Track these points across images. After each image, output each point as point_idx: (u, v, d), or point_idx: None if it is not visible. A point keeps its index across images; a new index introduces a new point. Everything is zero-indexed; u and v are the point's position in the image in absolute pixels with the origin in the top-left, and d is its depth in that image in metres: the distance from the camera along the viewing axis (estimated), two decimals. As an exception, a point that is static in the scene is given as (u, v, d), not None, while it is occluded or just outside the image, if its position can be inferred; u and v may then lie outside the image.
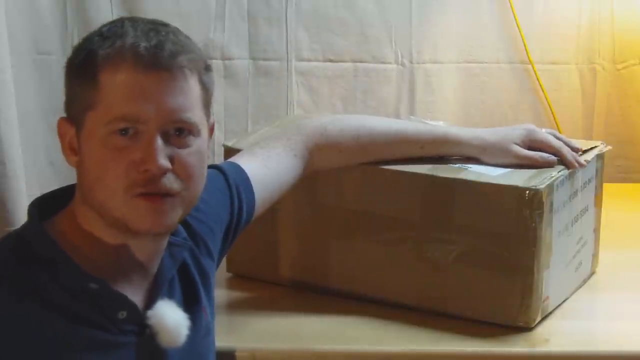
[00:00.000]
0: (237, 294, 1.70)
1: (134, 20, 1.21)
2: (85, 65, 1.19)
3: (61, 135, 1.23)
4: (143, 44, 1.17)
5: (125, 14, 2.18)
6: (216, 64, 2.25)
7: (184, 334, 1.25)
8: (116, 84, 1.17)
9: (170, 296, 1.28)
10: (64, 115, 1.23)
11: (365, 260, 1.64)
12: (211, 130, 1.27)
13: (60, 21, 2.20)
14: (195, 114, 1.20)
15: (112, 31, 1.19)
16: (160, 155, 1.16)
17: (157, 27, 1.20)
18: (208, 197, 1.36)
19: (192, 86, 1.20)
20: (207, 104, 1.24)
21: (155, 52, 1.17)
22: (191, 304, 1.30)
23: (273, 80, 2.29)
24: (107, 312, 1.20)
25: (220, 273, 1.56)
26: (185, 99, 1.19)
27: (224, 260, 1.56)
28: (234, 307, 1.66)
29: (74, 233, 1.22)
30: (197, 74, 1.21)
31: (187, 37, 1.22)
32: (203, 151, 1.22)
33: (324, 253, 1.67)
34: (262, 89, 2.29)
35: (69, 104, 1.22)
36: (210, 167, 1.45)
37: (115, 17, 2.15)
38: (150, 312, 1.23)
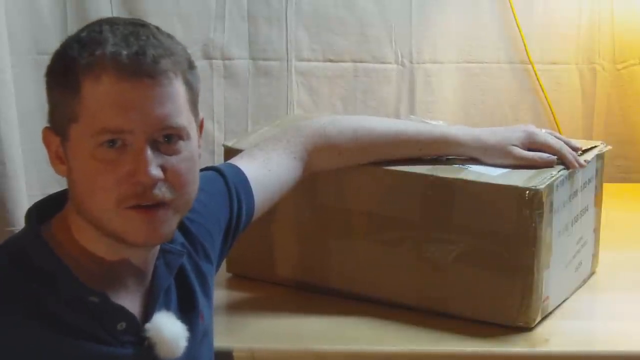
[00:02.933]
0: (236, 294, 1.70)
1: (112, 23, 1.17)
2: (66, 74, 1.15)
3: (47, 144, 1.21)
4: (124, 52, 1.13)
5: (125, 14, 2.18)
6: (216, 64, 2.25)
7: (183, 346, 1.24)
8: (99, 95, 1.13)
9: (167, 303, 1.26)
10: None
11: (365, 261, 1.64)
12: (201, 126, 1.24)
13: (60, 21, 2.20)
14: (183, 118, 1.17)
15: (91, 37, 1.15)
16: (151, 165, 1.14)
17: (136, 29, 1.16)
18: (207, 199, 1.36)
19: (178, 89, 1.16)
20: (194, 104, 1.21)
21: (137, 59, 1.13)
22: (187, 310, 1.29)
23: (273, 80, 2.29)
24: (107, 325, 1.19)
25: (220, 273, 1.56)
26: (172, 105, 1.15)
27: (224, 260, 1.56)
28: (234, 307, 1.66)
29: (69, 243, 1.20)
30: (182, 75, 1.17)
31: (169, 36, 1.19)
32: (194, 155, 1.19)
33: (324, 253, 1.67)
34: (262, 89, 2.29)
35: (52, 114, 1.19)
36: (209, 168, 1.45)
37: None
38: (148, 325, 1.22)
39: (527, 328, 1.55)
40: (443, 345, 1.53)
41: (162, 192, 1.15)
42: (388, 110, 2.30)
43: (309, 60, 2.28)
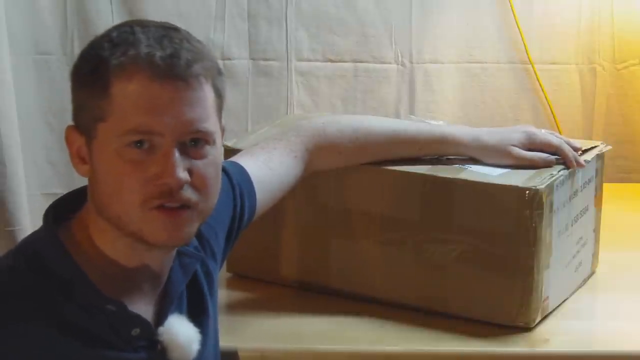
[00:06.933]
0: (237, 294, 1.70)
1: (144, 25, 1.17)
2: (96, 74, 1.15)
3: (69, 143, 1.20)
4: (159, 53, 1.13)
5: (125, 14, 2.18)
6: (216, 64, 2.25)
7: (195, 349, 1.24)
8: (130, 95, 1.13)
9: (179, 306, 1.26)
10: (65, 120, 1.19)
11: (366, 260, 1.64)
12: (222, 134, 1.24)
13: (60, 21, 2.20)
14: (211, 123, 1.17)
15: (123, 38, 1.15)
16: (178, 168, 1.13)
17: (169, 33, 1.16)
18: None
19: (207, 94, 1.17)
20: (220, 110, 1.21)
21: (172, 62, 1.13)
22: (198, 314, 1.29)
23: (273, 80, 2.29)
24: (121, 330, 1.19)
25: (220, 273, 1.56)
26: (201, 109, 1.15)
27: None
28: (235, 307, 1.66)
29: (88, 246, 1.20)
30: (211, 81, 1.18)
31: (199, 42, 1.19)
32: (218, 160, 1.20)
33: (324, 253, 1.67)
34: (262, 89, 2.29)
35: (78, 113, 1.18)
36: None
37: (115, 17, 2.17)
38: (162, 329, 1.22)
39: (527, 328, 1.55)
40: (443, 345, 1.53)
41: (188, 193, 1.16)
42: (388, 110, 2.30)
43: (309, 60, 2.29)
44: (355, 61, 2.30)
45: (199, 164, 1.16)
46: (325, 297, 1.67)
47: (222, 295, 1.66)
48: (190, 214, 1.17)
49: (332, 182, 1.63)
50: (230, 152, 1.64)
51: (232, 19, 2.25)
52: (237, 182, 1.43)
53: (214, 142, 1.18)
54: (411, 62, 2.30)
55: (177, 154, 1.14)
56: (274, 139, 1.56)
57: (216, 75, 1.19)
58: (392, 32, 2.28)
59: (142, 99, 1.13)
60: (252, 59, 2.28)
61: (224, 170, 1.43)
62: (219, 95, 1.20)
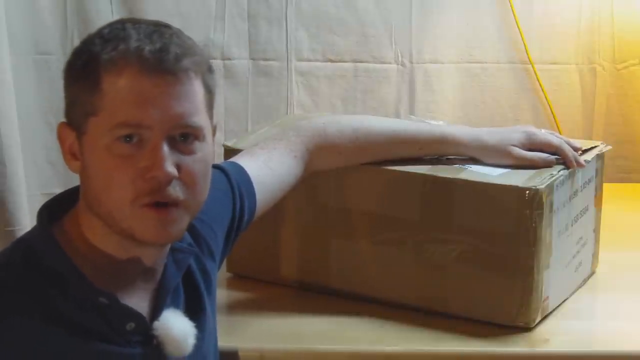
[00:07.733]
0: (237, 294, 1.70)
1: (135, 22, 1.18)
2: (87, 69, 1.16)
3: (61, 140, 1.20)
4: (148, 47, 1.14)
5: (125, 14, 2.18)
6: (216, 64, 2.24)
7: (191, 344, 1.24)
8: (120, 89, 1.14)
9: (175, 302, 1.27)
10: (63, 119, 1.20)
11: (366, 260, 1.64)
12: (213, 132, 1.25)
13: (60, 21, 2.20)
14: (201, 118, 1.18)
15: (114, 34, 1.16)
16: (167, 162, 1.14)
17: (160, 29, 1.17)
18: (210, 197, 1.35)
19: (197, 89, 1.17)
20: (210, 107, 1.21)
21: (161, 56, 1.14)
22: (195, 311, 1.29)
23: (273, 80, 2.29)
24: (115, 325, 1.19)
25: (220, 273, 1.56)
26: (190, 103, 1.16)
27: (224, 260, 1.56)
28: (234, 307, 1.66)
29: (80, 242, 1.20)
30: (201, 77, 1.18)
31: (190, 39, 1.20)
32: (208, 157, 1.20)
33: (324, 253, 1.67)
34: (262, 89, 2.29)
35: (70, 109, 1.19)
36: (212, 166, 1.45)
37: (115, 17, 2.17)
38: (157, 323, 1.22)
39: (527, 328, 1.55)
40: (443, 345, 1.53)
41: (176, 191, 1.16)
42: (388, 110, 2.30)
43: (309, 60, 2.29)
44: (355, 61, 2.30)
45: (188, 159, 1.17)
46: (325, 297, 1.67)
47: (222, 295, 1.66)
48: (179, 212, 1.18)
49: (332, 182, 1.63)
50: (230, 152, 1.64)
51: (232, 19, 2.25)
52: (236, 183, 1.44)
53: (203, 138, 1.19)
54: (411, 62, 2.30)
55: (165, 148, 1.15)
56: (274, 139, 1.56)
57: (206, 71, 1.20)
58: (392, 32, 2.28)
59: (132, 93, 1.14)
60: (252, 59, 2.28)
61: (223, 171, 1.44)
62: (209, 92, 1.21)
